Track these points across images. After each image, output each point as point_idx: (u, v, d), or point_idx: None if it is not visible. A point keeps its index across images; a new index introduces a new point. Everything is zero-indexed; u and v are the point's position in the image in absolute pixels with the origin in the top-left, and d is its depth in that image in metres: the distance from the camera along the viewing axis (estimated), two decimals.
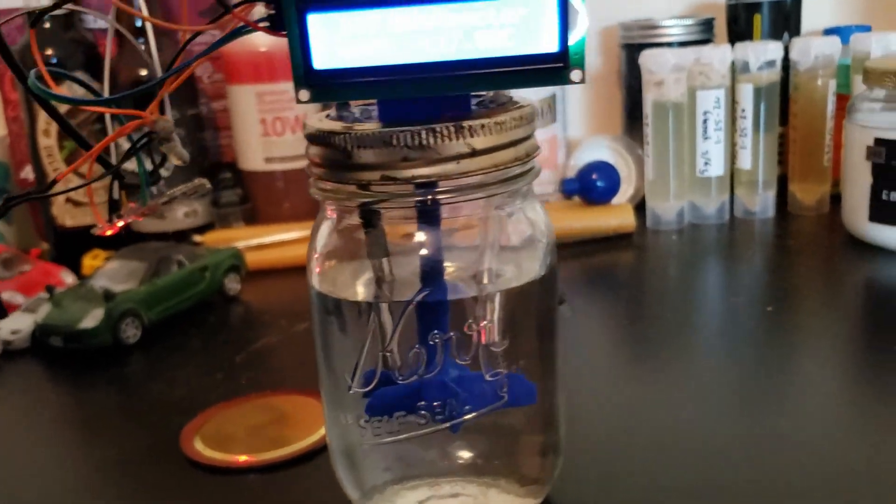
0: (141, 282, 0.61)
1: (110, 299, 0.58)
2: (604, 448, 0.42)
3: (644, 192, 0.81)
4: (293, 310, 0.65)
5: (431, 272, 0.32)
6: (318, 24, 0.29)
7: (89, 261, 0.75)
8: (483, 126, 0.30)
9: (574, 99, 0.93)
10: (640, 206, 0.82)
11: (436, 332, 0.31)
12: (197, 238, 0.78)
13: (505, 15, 0.28)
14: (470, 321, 0.31)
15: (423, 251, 0.32)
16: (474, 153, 0.30)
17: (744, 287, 0.66)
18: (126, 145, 0.39)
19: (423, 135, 0.29)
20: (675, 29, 0.83)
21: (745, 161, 0.79)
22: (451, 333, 0.31)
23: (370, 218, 0.32)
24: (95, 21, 0.82)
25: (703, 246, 0.76)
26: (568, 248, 0.75)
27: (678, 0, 0.93)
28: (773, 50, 0.76)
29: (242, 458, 0.43)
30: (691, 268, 0.72)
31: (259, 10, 0.31)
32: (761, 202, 0.79)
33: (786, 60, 0.78)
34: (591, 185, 0.77)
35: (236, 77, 0.80)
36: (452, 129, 0.29)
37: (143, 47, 0.74)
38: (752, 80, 0.77)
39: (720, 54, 0.76)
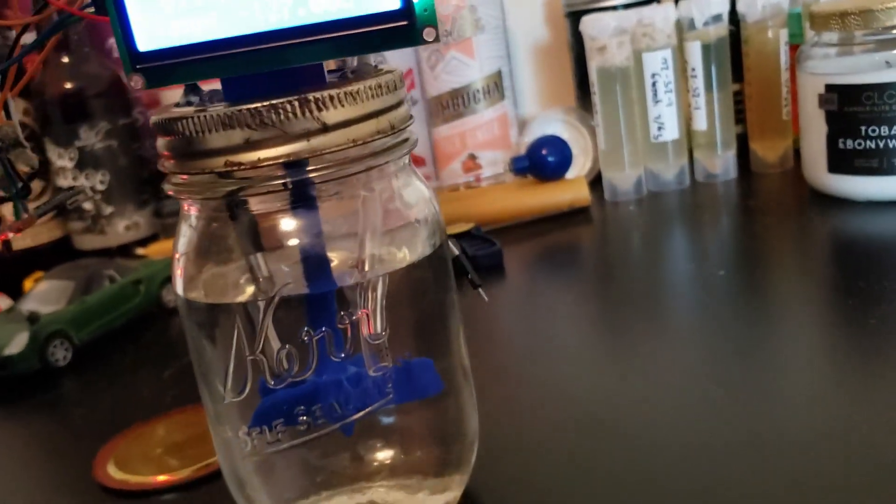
0: (69, 301, 0.58)
1: (35, 322, 0.55)
2: (548, 436, 0.39)
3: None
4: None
5: (308, 263, 0.30)
6: (137, 3, 0.26)
7: (31, 284, 0.72)
8: (332, 98, 0.27)
9: (524, 74, 0.91)
10: (598, 179, 0.79)
11: (305, 329, 0.28)
12: (140, 251, 0.75)
13: None
14: (342, 314, 0.29)
15: (294, 241, 0.30)
16: (326, 128, 0.27)
17: (705, 252, 0.63)
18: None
19: (265, 112, 0.26)
20: None
21: (700, 122, 0.76)
22: (324, 329, 0.28)
23: (233, 209, 0.29)
24: None
25: (664, 214, 0.73)
26: (523, 228, 0.72)
27: None
28: (719, 4, 0.73)
29: (161, 479, 0.41)
30: (652, 238, 0.69)
31: None
32: (722, 163, 0.76)
33: (733, 14, 0.75)
34: (542, 161, 0.74)
35: None
36: (297, 103, 0.27)
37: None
38: (700, 37, 0.74)
39: (663, 13, 0.73)
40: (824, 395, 0.40)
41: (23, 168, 0.33)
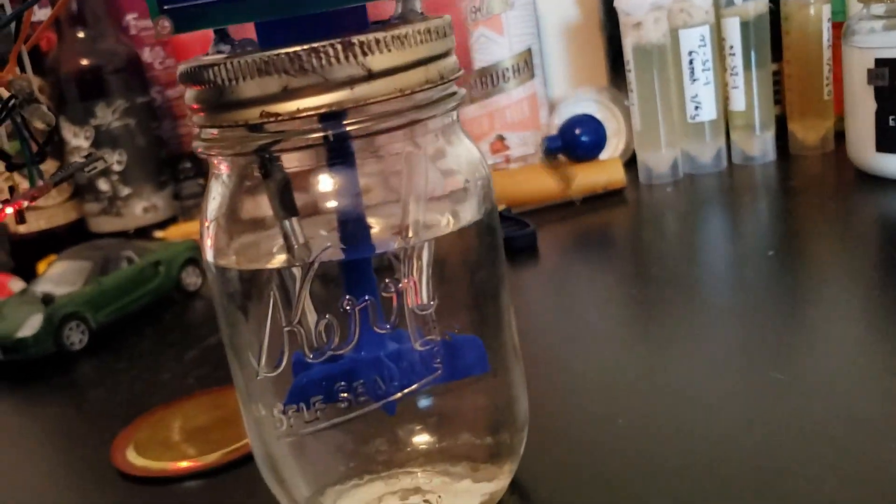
0: (85, 282, 0.56)
1: (49, 303, 0.53)
2: (593, 422, 0.37)
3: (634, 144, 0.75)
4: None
5: (346, 226, 0.27)
6: None
7: (45, 267, 0.70)
8: (379, 41, 0.24)
9: (555, 53, 0.87)
10: (632, 161, 0.76)
11: (347, 297, 0.26)
12: (158, 234, 0.73)
13: None
14: (388, 281, 0.26)
15: (331, 202, 0.27)
16: (371, 76, 0.25)
17: (745, 236, 0.60)
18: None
19: (304, 57, 0.24)
20: None
21: (738, 102, 0.73)
22: (367, 298, 0.26)
23: (266, 165, 0.26)
24: None
25: (701, 197, 0.70)
26: (556, 210, 0.70)
27: None
28: None
29: (183, 465, 0.38)
30: (689, 222, 0.66)
31: None
32: (760, 145, 0.73)
33: None
34: (575, 141, 0.72)
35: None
36: (340, 46, 0.24)
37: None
38: (739, 14, 0.71)
39: None
40: (876, 381, 0.37)
41: (38, 125, 0.31)
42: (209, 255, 0.28)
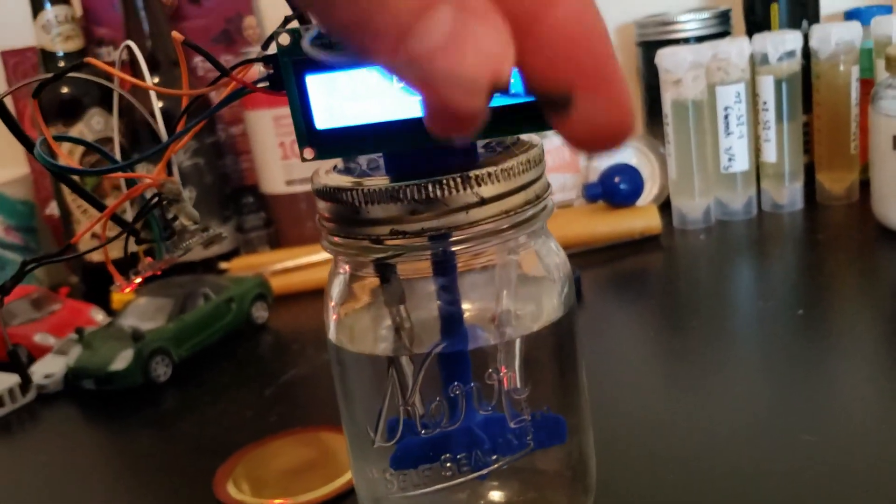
0: (169, 318, 0.61)
1: (139, 339, 0.58)
2: (636, 470, 0.42)
3: (668, 191, 0.80)
4: (321, 337, 0.64)
5: (449, 322, 0.32)
6: (318, 85, 0.28)
7: (118, 295, 0.75)
8: (490, 174, 0.29)
9: None
10: (665, 205, 0.81)
11: (456, 383, 0.31)
12: (223, 265, 0.78)
13: None
14: (490, 370, 0.31)
15: (440, 301, 0.32)
16: (483, 202, 0.30)
17: (775, 288, 0.65)
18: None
19: (431, 188, 0.29)
20: (691, 24, 0.81)
21: (770, 154, 0.77)
22: (473, 384, 0.31)
23: (385, 271, 0.31)
24: (110, 55, 0.82)
25: (732, 245, 0.75)
26: (595, 254, 0.75)
27: None
28: (792, 40, 0.74)
29: (277, 502, 0.43)
30: (721, 270, 0.71)
31: (259, 70, 0.31)
32: (789, 195, 0.78)
33: (806, 48, 0.77)
34: (614, 189, 0.76)
35: (252, 102, 0.80)
36: (460, 180, 0.29)
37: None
38: (773, 72, 0.75)
39: (738, 48, 0.74)
40: (889, 443, 0.41)
41: (185, 221, 0.36)
42: (331, 334, 0.33)
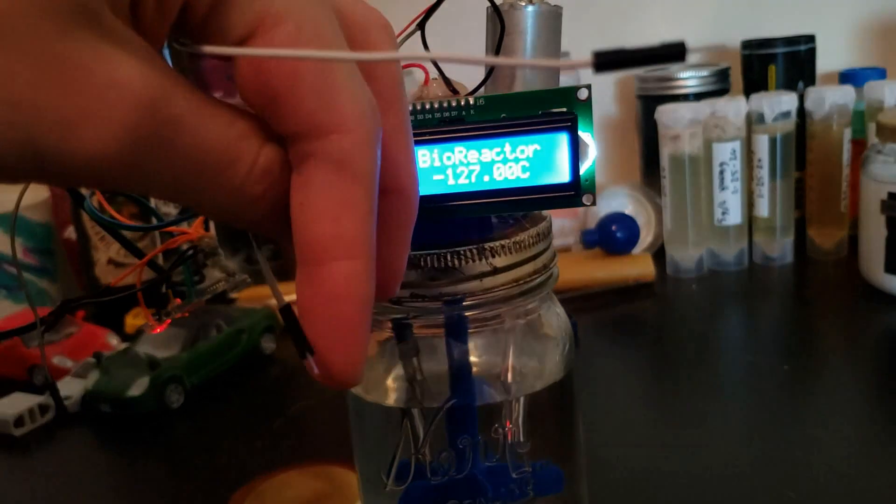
0: (183, 347, 0.64)
1: (155, 367, 0.61)
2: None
3: (663, 238, 0.83)
4: None
5: (459, 379, 0.35)
6: None
7: (131, 320, 0.78)
8: (503, 246, 0.32)
9: None
10: (659, 253, 0.84)
11: (465, 436, 0.34)
12: (233, 294, 0.81)
13: (520, 150, 0.31)
14: (496, 425, 0.34)
15: (451, 359, 0.35)
16: (496, 271, 0.33)
17: (763, 341, 0.68)
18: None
19: (449, 257, 0.32)
20: (691, 80, 0.85)
21: (762, 209, 0.81)
22: (479, 437, 0.34)
23: (401, 329, 0.34)
24: None
25: (723, 295, 0.78)
26: (590, 299, 0.78)
27: (691, 46, 0.95)
28: (788, 101, 0.78)
29: None
30: (711, 319, 0.74)
31: None
32: (780, 248, 0.81)
33: (801, 108, 0.80)
34: (611, 237, 0.80)
35: None
36: (475, 251, 0.32)
37: None
38: (768, 131, 0.79)
39: (735, 107, 0.78)
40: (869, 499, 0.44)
41: (218, 274, 0.39)
42: None
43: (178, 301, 0.44)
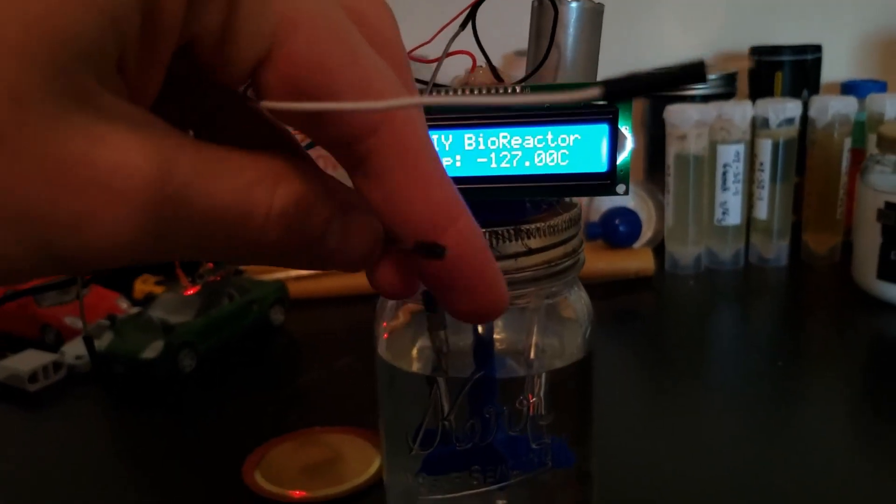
0: (196, 314, 0.65)
1: (169, 332, 0.63)
2: (628, 496, 0.47)
3: (663, 234, 0.85)
4: (332, 342, 0.69)
5: (484, 353, 0.37)
6: None
7: (140, 285, 0.80)
8: (538, 228, 0.34)
9: None
10: (659, 248, 0.86)
11: (490, 406, 0.36)
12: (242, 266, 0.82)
13: (561, 139, 0.33)
14: (521, 398, 0.36)
15: (478, 333, 0.37)
16: (530, 252, 0.34)
17: (756, 338, 0.70)
18: None
19: (487, 236, 0.34)
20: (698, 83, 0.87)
21: (761, 211, 0.83)
22: (504, 407, 0.36)
23: (430, 301, 0.36)
24: None
25: (719, 292, 0.80)
26: (590, 290, 0.79)
27: (702, 51, 0.97)
28: (792, 108, 0.80)
29: (297, 494, 0.48)
30: (706, 315, 0.76)
31: None
32: (776, 250, 0.84)
33: (804, 115, 0.82)
34: (614, 230, 0.82)
35: None
36: (512, 231, 0.34)
37: None
38: (771, 136, 0.81)
39: (741, 111, 0.80)
40: (853, 496, 0.47)
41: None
42: (380, 349, 0.38)
43: (210, 265, 0.46)
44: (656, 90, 0.18)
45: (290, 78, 0.19)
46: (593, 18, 0.36)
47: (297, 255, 0.21)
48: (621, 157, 0.34)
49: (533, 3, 0.36)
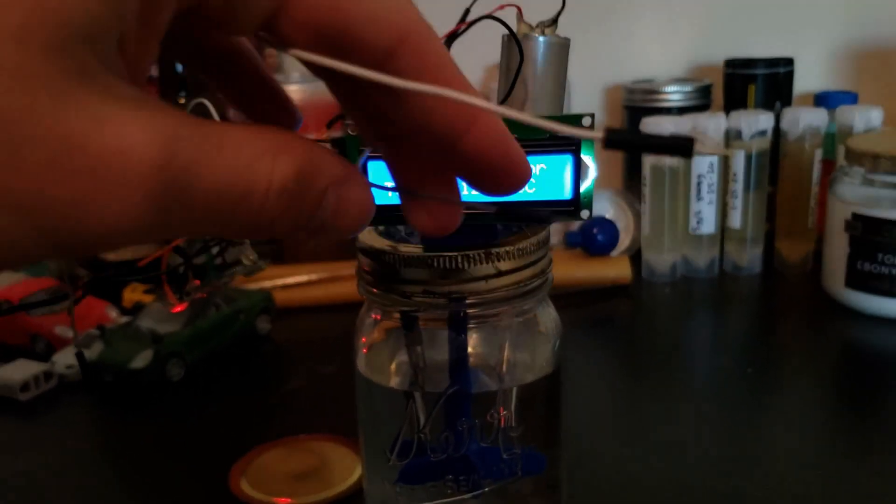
0: (184, 325, 0.67)
1: (158, 342, 0.64)
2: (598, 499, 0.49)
3: (640, 243, 0.88)
4: (317, 351, 0.71)
5: (458, 368, 0.39)
6: (376, 169, 0.35)
7: (129, 293, 0.81)
8: (507, 252, 0.36)
9: None
10: (636, 256, 0.88)
11: (463, 418, 0.38)
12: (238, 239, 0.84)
13: None
14: (492, 411, 0.38)
15: (451, 350, 0.39)
16: (500, 273, 0.36)
17: (729, 345, 0.73)
18: None
19: (459, 259, 0.36)
20: (674, 94, 0.89)
21: (735, 221, 0.85)
22: (476, 420, 0.38)
23: (408, 320, 0.38)
24: None
25: (694, 299, 0.82)
26: (569, 297, 0.82)
27: (678, 62, 0.99)
28: (765, 121, 0.82)
29: (282, 501, 0.50)
30: (681, 322, 0.78)
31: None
32: (749, 259, 0.86)
33: (777, 127, 0.85)
34: (592, 239, 0.84)
35: None
36: (483, 255, 0.36)
37: None
38: (745, 148, 0.83)
39: (715, 123, 0.82)
40: (819, 498, 0.49)
41: (246, 261, 0.42)
42: (360, 365, 0.40)
43: (197, 282, 0.48)
44: (645, 151, 0.22)
45: (309, 21, 0.20)
46: (560, 52, 0.38)
47: (294, 227, 0.21)
48: (584, 185, 0.36)
49: (503, 37, 0.38)
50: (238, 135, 0.19)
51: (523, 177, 0.26)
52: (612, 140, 0.21)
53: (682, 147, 0.20)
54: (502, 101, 0.37)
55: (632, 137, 0.21)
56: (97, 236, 0.17)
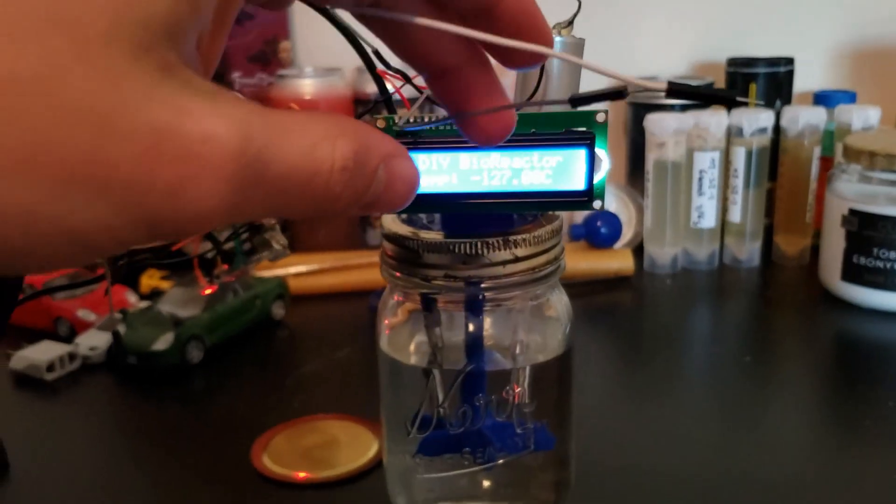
0: (203, 309, 0.70)
1: (179, 325, 0.67)
2: (603, 477, 0.51)
3: (642, 236, 0.90)
4: (331, 336, 0.74)
5: (475, 348, 0.41)
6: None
7: (146, 279, 0.84)
8: (524, 239, 0.39)
9: None
10: (638, 249, 0.91)
11: (479, 395, 0.40)
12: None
13: (545, 161, 0.37)
14: (507, 388, 0.40)
15: (469, 330, 0.41)
16: (517, 259, 0.39)
17: (728, 335, 0.75)
18: None
19: (479, 245, 0.38)
20: None
21: (735, 215, 0.88)
22: (492, 396, 0.40)
23: (428, 302, 0.41)
24: None
25: (694, 291, 0.85)
26: (573, 288, 0.84)
27: (681, 60, 1.02)
28: (766, 119, 0.85)
29: (302, 475, 0.52)
30: (682, 313, 0.81)
31: None
32: (748, 252, 0.88)
33: (777, 125, 0.87)
34: (596, 232, 0.86)
35: None
36: (501, 241, 0.38)
37: None
38: (745, 144, 0.86)
39: (717, 120, 0.85)
40: (815, 486, 0.52)
41: (276, 245, 0.45)
42: (382, 344, 0.43)
43: (226, 267, 0.51)
44: (698, 100, 0.27)
45: None
46: (575, 52, 0.41)
47: (354, 202, 0.23)
48: (598, 177, 0.38)
49: None
50: (300, 121, 0.21)
51: (548, 42, 0.29)
52: (674, 90, 0.26)
53: (727, 99, 0.27)
54: (528, 98, 0.40)
55: (689, 88, 0.27)
56: (187, 220, 0.18)
